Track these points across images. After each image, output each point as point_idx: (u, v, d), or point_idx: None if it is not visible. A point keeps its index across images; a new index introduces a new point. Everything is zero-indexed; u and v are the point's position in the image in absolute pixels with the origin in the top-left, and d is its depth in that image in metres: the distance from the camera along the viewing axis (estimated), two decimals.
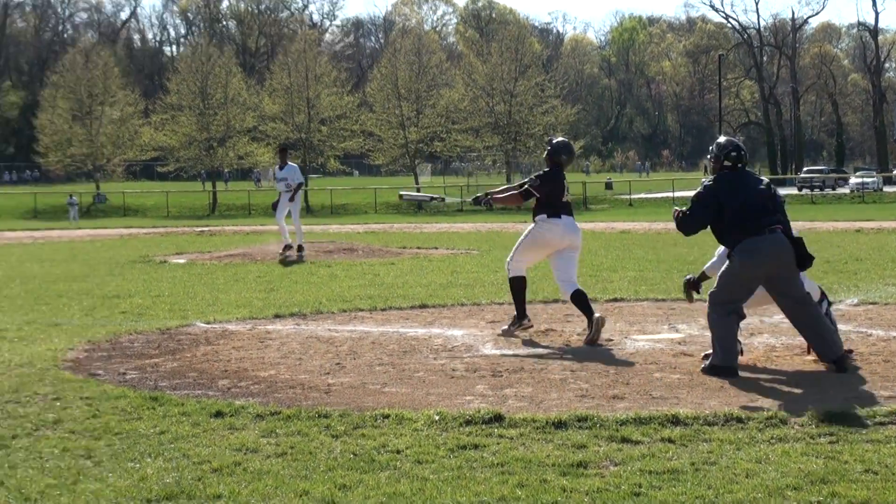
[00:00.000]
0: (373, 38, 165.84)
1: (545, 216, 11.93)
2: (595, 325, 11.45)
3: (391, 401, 8.79)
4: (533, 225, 12.11)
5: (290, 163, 26.39)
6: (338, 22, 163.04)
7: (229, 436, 7.70)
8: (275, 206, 25.98)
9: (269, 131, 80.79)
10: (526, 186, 12.09)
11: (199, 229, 45.47)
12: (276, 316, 14.32)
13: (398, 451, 7.16)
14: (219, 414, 8.34)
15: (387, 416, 8.11)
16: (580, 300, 11.76)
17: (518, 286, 12.16)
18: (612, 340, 11.65)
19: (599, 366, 10.27)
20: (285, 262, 23.96)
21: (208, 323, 13.75)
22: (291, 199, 25.51)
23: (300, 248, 25.19)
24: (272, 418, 8.18)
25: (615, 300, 15.32)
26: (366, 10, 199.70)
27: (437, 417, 8.01)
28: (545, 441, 7.38)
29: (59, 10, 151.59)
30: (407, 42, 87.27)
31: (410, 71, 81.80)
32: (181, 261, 25.38)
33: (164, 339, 12.42)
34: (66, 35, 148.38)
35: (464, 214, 60.98)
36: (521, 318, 12.12)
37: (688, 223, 10.19)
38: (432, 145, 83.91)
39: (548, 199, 11.91)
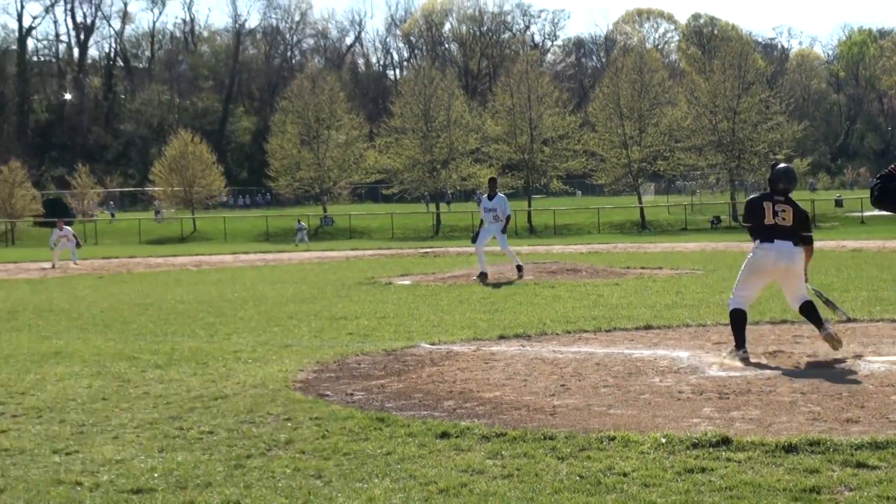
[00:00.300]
0: (594, 58, 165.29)
1: (758, 241, 11.74)
2: (830, 337, 11.30)
3: (617, 423, 8.65)
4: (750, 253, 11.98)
5: (499, 193, 26.24)
6: (559, 42, 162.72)
7: (455, 457, 7.69)
8: (476, 234, 25.94)
9: (492, 152, 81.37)
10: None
11: (424, 251, 45.98)
12: (501, 337, 14.29)
13: (625, 474, 7.05)
14: (445, 435, 8.32)
15: (613, 439, 7.97)
16: (809, 312, 11.55)
17: (736, 318, 11.87)
18: (844, 362, 11.28)
19: (831, 388, 9.92)
20: (483, 282, 24.07)
21: (433, 344, 13.77)
22: (504, 231, 25.54)
23: (519, 269, 25.17)
24: (498, 440, 8.13)
25: (848, 321, 14.82)
26: (587, 30, 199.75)
27: (663, 440, 7.86)
28: (775, 465, 7.17)
29: (288, 36, 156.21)
30: (629, 61, 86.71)
31: (632, 90, 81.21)
32: (406, 282, 25.60)
33: (390, 361, 12.48)
34: (294, 61, 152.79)
35: (687, 233, 60.14)
36: (738, 347, 11.83)
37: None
38: (655, 164, 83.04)
39: (754, 225, 11.74)
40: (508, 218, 25.69)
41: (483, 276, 24.87)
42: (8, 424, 9.21)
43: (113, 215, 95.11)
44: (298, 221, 70.34)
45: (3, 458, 8.01)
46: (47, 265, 39.30)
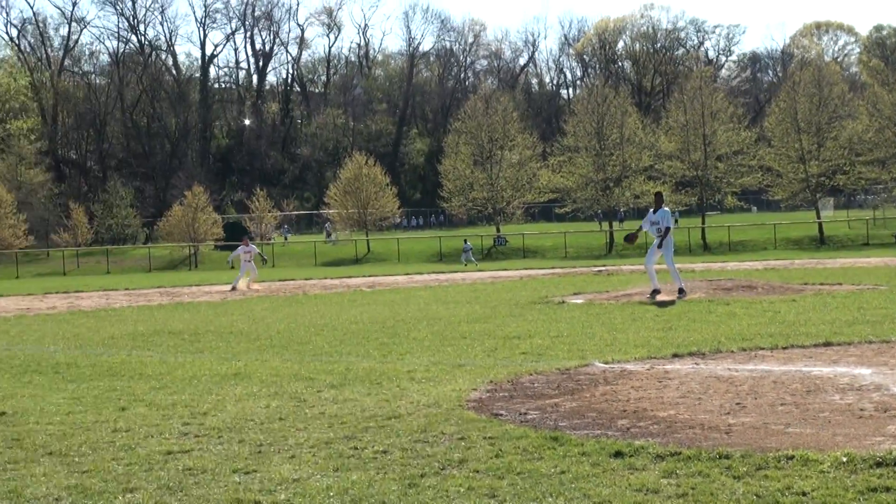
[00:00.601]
0: (770, 72, 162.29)
1: None
2: None
3: (795, 441, 8.50)
4: None
5: (663, 207, 26.15)
6: (734, 57, 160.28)
7: (629, 476, 7.63)
8: (632, 235, 26.21)
9: (665, 169, 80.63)
10: None
11: (597, 269, 45.75)
12: (675, 355, 14.16)
13: (804, 494, 6.91)
14: (618, 454, 8.27)
15: (791, 458, 7.85)
16: None
17: None
18: None
19: None
20: (657, 301, 23.74)
21: (607, 363, 13.69)
22: (660, 246, 25.32)
23: (680, 291, 24.82)
24: (672, 459, 8.06)
25: None
26: (763, 44, 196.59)
27: (844, 459, 7.69)
28: None
29: (461, 58, 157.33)
30: (806, 74, 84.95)
31: (810, 103, 79.54)
32: (579, 301, 25.44)
33: (564, 380, 12.43)
34: (467, 82, 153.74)
35: (869, 248, 58.63)
36: None
37: None
38: (834, 178, 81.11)
39: None
40: (667, 230, 25.45)
41: (655, 293, 24.66)
42: (191, 444, 9.46)
43: (286, 238, 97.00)
44: (465, 241, 70.77)
45: (186, 478, 8.22)
46: (226, 287, 40.17)
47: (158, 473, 8.37)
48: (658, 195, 27.15)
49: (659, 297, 24.37)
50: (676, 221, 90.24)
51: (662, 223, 25.54)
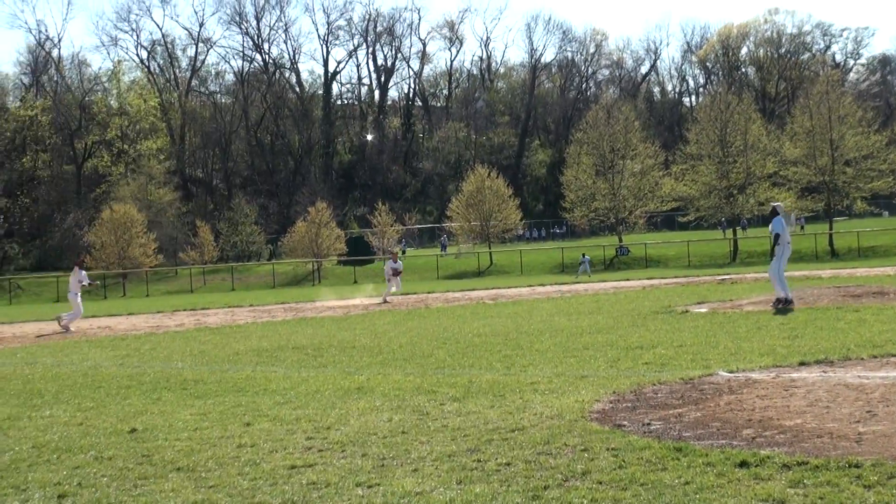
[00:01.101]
0: None
1: None
2: None
3: None
4: None
5: (778, 214, 25.67)
6: (863, 60, 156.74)
7: (755, 486, 7.54)
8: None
9: (791, 175, 79.33)
10: None
11: (721, 278, 45.16)
12: (802, 363, 13.94)
13: None
14: (744, 464, 8.19)
15: None
16: None
17: None
18: None
19: None
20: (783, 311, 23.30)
21: (731, 372, 13.53)
22: (772, 255, 24.95)
23: (778, 302, 24.27)
24: (799, 468, 7.98)
25: None
26: (893, 46, 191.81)
27: None
28: None
29: (583, 68, 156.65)
30: None
31: None
32: (703, 310, 25.14)
33: (687, 389, 12.32)
34: (588, 93, 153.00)
35: None
36: None
37: None
38: None
39: None
40: (776, 237, 24.99)
41: (779, 302, 24.29)
42: (315, 458, 9.56)
43: (404, 252, 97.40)
44: (583, 255, 70.58)
45: (310, 492, 8.32)
46: (351, 302, 40.52)
47: (283, 488, 8.47)
48: (771, 210, 26.84)
49: (787, 306, 23.98)
50: (802, 228, 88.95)
51: (771, 230, 25.36)
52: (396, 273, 42.19)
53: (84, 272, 34.53)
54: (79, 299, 33.70)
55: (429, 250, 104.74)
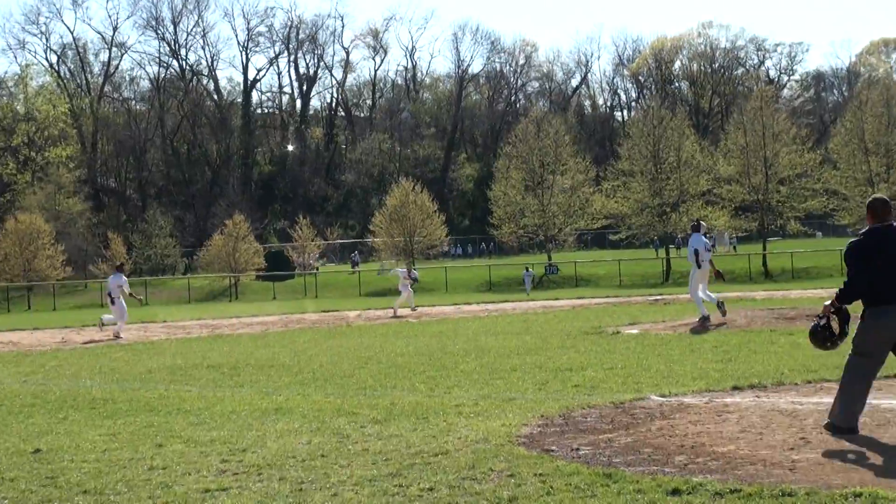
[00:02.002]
0: (835, 91, 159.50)
1: None
2: None
3: (864, 478, 8.32)
4: None
5: (699, 231, 26.82)
6: (797, 76, 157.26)
7: None
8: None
9: (724, 194, 79.59)
10: None
11: (653, 298, 44.93)
12: (735, 388, 13.86)
13: None
14: (676, 492, 8.14)
15: (859, 495, 7.68)
16: None
17: None
18: None
19: None
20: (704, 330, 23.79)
21: (663, 396, 13.44)
22: (693, 274, 26.03)
23: (703, 320, 25.11)
24: (732, 496, 7.93)
25: None
26: (827, 63, 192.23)
27: None
28: None
29: (512, 80, 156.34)
30: (874, 93, 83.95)
31: (879, 123, 78.86)
32: (634, 331, 24.88)
33: (618, 414, 12.16)
34: (518, 105, 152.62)
35: None
36: None
37: None
38: None
39: None
40: (694, 252, 26.03)
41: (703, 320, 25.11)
42: (230, 482, 9.41)
43: (317, 269, 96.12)
44: (527, 268, 70.20)
45: None
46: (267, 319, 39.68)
47: None
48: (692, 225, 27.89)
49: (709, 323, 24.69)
50: (735, 248, 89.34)
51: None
52: (414, 280, 43.01)
53: (125, 277, 35.06)
54: (123, 302, 33.79)
55: (349, 267, 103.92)
